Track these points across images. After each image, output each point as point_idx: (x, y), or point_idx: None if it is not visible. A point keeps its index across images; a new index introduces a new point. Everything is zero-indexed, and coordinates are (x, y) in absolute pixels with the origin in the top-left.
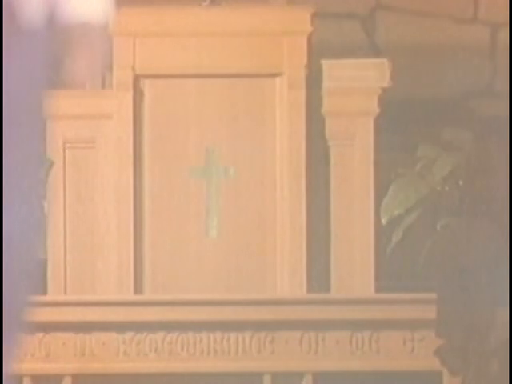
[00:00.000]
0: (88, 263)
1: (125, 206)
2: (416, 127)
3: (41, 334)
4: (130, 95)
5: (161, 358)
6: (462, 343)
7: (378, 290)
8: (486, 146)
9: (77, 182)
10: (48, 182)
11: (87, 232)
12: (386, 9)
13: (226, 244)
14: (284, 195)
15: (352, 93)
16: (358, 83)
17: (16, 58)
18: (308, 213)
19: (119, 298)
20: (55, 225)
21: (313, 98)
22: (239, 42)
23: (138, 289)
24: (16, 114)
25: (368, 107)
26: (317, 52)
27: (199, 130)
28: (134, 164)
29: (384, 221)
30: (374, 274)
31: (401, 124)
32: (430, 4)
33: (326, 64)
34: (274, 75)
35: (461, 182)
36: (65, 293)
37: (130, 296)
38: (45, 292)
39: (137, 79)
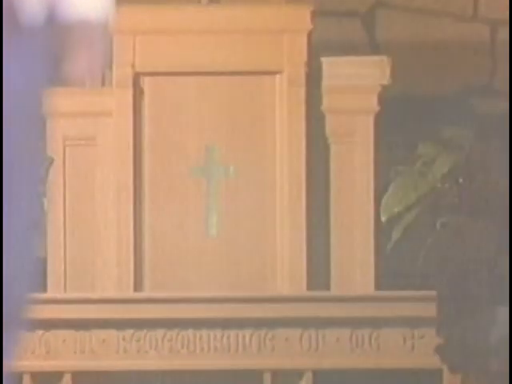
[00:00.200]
0: (88, 261)
1: (124, 203)
2: (416, 125)
3: (41, 332)
4: (129, 93)
5: (161, 356)
6: (462, 341)
7: (377, 287)
8: (486, 143)
9: (77, 180)
10: (48, 179)
11: (87, 230)
12: (386, 6)
13: (226, 242)
14: (284, 193)
15: (352, 90)
16: (358, 81)
17: (16, 55)
18: (308, 210)
19: (119, 295)
20: (55, 222)
21: (313, 95)
22: (239, 39)
23: (137, 286)
24: (16, 112)
25: (368, 105)
26: (317, 49)
27: (199, 127)
28: (133, 162)
29: (384, 218)
30: (374, 271)
31: (401, 122)
32: (430, 2)
33: (325, 61)
34: (273, 73)
35: (461, 180)
36: (64, 290)
37: (130, 293)
38: (45, 289)
39: (137, 77)
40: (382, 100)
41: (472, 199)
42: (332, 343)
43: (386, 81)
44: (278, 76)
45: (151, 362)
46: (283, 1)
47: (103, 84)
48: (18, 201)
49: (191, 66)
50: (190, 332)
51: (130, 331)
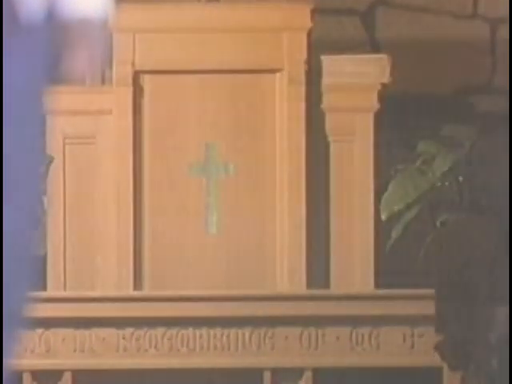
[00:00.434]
0: (87, 259)
1: (124, 201)
2: (416, 123)
3: (40, 330)
4: (129, 91)
5: (160, 354)
6: (462, 339)
7: (377, 285)
8: (486, 142)
9: (76, 178)
10: (48, 177)
11: (87, 228)
12: (386, 4)
13: (226, 240)
14: (284, 191)
15: (352, 88)
16: (358, 79)
17: (16, 54)
18: (308, 209)
19: (119, 293)
20: (55, 220)
21: (312, 93)
22: (239, 37)
23: (137, 285)
24: (16, 110)
25: (368, 103)
26: (316, 48)
27: (199, 125)
28: (133, 160)
29: (384, 217)
30: (374, 269)
31: (400, 120)
32: (430, 0)
33: (325, 60)
34: (273, 71)
35: (461, 178)
36: (64, 289)
37: (130, 292)
38: (44, 288)
39: (136, 75)
40: (381, 98)
41: (472, 197)
42: (332, 341)
43: (385, 79)
44: (277, 74)
45: (151, 360)
46: None
47: (103, 82)
48: (18, 199)
49: (191, 64)
50: (190, 330)
51: (130, 330)
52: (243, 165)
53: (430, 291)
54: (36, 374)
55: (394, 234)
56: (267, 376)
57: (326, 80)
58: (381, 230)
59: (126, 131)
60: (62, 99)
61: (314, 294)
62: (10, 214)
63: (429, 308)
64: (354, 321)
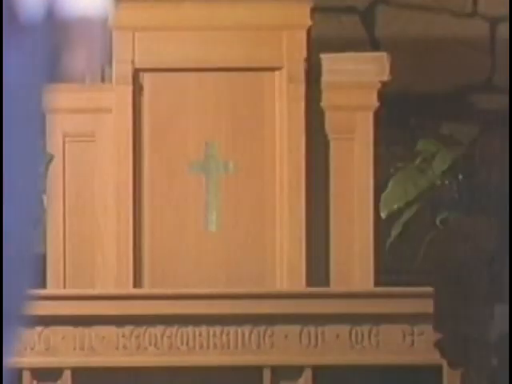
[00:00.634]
0: (87, 257)
1: (124, 200)
2: (415, 121)
3: (40, 328)
4: (129, 89)
5: (160, 352)
6: (462, 337)
7: (377, 283)
8: (486, 140)
9: (76, 176)
10: (47, 175)
11: (86, 226)
12: (385, 3)
13: (226, 238)
14: (283, 189)
15: (351, 86)
16: (358, 77)
17: (15, 52)
18: (307, 207)
19: (118, 291)
20: (54, 218)
21: (312, 91)
22: (238, 35)
23: (137, 283)
24: (16, 109)
25: (367, 101)
26: (316, 46)
27: (198, 124)
28: (133, 158)
29: (383, 215)
30: (374, 267)
31: (400, 118)
32: None
33: (325, 58)
34: (273, 69)
35: (460, 177)
36: (64, 286)
37: (130, 290)
38: (44, 286)
39: (136, 73)
40: (381, 96)
41: (472, 196)
42: (331, 339)
43: (385, 77)
44: (277, 72)
45: (150, 358)
46: None
47: (103, 80)
48: (18, 197)
49: (191, 62)
50: (190, 328)
51: (130, 328)
52: (243, 163)
53: (430, 289)
54: (35, 371)
55: (394, 232)
56: (267, 374)
57: (326, 78)
58: (380, 228)
59: (126, 129)
60: (61, 97)
61: (314, 292)
62: (10, 213)
63: (428, 306)
64: (354, 319)
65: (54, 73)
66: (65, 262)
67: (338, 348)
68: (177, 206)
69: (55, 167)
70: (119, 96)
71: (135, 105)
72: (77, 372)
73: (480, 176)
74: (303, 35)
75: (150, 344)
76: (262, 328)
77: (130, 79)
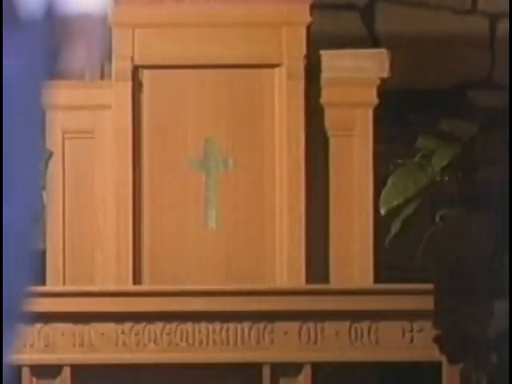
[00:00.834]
0: (87, 254)
1: (124, 196)
2: (415, 118)
3: (39, 325)
4: (128, 86)
5: (159, 349)
6: (461, 334)
7: (376, 280)
8: (486, 136)
9: (76, 173)
10: (47, 172)
11: (86, 222)
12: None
13: (225, 235)
14: (283, 186)
15: (351, 83)
16: (357, 74)
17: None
18: (307, 203)
19: (118, 288)
20: (54, 215)
21: (312, 88)
22: (238, 32)
23: (136, 279)
24: (15, 105)
25: (367, 98)
26: (316, 42)
27: (198, 120)
28: (132, 155)
29: (383, 211)
30: (373, 264)
31: (400, 115)
32: None
33: (324, 54)
34: (272, 66)
35: (460, 173)
36: (63, 283)
37: (129, 286)
38: (44, 282)
39: (136, 70)
40: (381, 93)
41: (472, 192)
42: (331, 336)
43: (385, 74)
44: (277, 69)
45: (150, 355)
46: None
47: (102, 77)
48: (18, 194)
49: (190, 59)
50: (189, 325)
51: (129, 324)
52: (242, 160)
53: (429, 286)
54: (35, 368)
55: (393, 228)
56: (266, 371)
57: (326, 75)
58: (380, 224)
59: (126, 126)
60: (61, 94)
61: (313, 289)
62: (10, 210)
63: (428, 303)
64: (353, 315)
65: (54, 69)
66: (64, 259)
67: (337, 345)
68: (176, 203)
69: (54, 164)
70: (119, 93)
71: (135, 101)
72: (76, 369)
73: (480, 172)
74: (303, 32)
75: (150, 341)
76: (261, 325)
77: (129, 76)
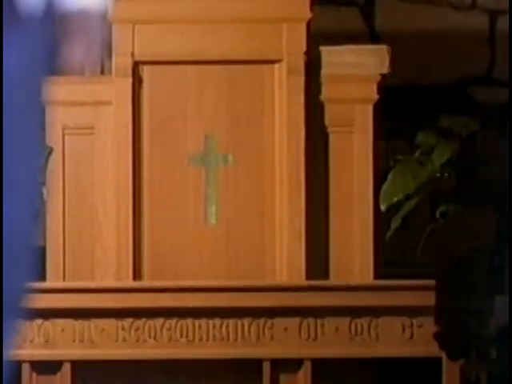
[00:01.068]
0: (87, 250)
1: (124, 192)
2: (415, 114)
3: (40, 321)
4: (129, 82)
5: (160, 345)
6: (461, 330)
7: (376, 276)
8: (486, 133)
9: (76, 169)
10: (47, 168)
11: (86, 219)
12: None
13: (225, 231)
14: (283, 182)
15: (351, 79)
16: (357, 70)
17: (15, 45)
18: (307, 199)
19: (118, 284)
20: (54, 211)
21: (312, 84)
22: (238, 28)
23: (136, 275)
24: (15, 101)
25: (367, 94)
26: (316, 38)
27: (198, 116)
28: (133, 151)
29: (383, 207)
30: (373, 260)
31: (400, 111)
32: None
33: (324, 50)
34: (272, 62)
35: (459, 169)
36: (64, 279)
37: (129, 282)
38: (44, 278)
39: (136, 66)
40: (381, 89)
41: (472, 188)
42: (331, 332)
43: (385, 70)
44: (277, 65)
45: (150, 350)
46: None
47: (102, 73)
48: (18, 190)
49: (190, 54)
50: (189, 321)
51: (129, 320)
52: (242, 155)
53: (429, 282)
54: (35, 364)
55: (393, 224)
56: (266, 366)
57: (326, 71)
58: (380, 220)
59: (126, 122)
60: (61, 90)
61: (313, 285)
62: (10, 206)
63: (428, 298)
64: (353, 311)
65: (54, 65)
66: (64, 255)
67: (337, 340)
68: (176, 199)
69: (55, 160)
70: (119, 88)
71: (135, 97)
72: (76, 364)
73: (480, 168)
74: (303, 28)
75: (150, 336)
76: (261, 320)
77: (129, 72)
